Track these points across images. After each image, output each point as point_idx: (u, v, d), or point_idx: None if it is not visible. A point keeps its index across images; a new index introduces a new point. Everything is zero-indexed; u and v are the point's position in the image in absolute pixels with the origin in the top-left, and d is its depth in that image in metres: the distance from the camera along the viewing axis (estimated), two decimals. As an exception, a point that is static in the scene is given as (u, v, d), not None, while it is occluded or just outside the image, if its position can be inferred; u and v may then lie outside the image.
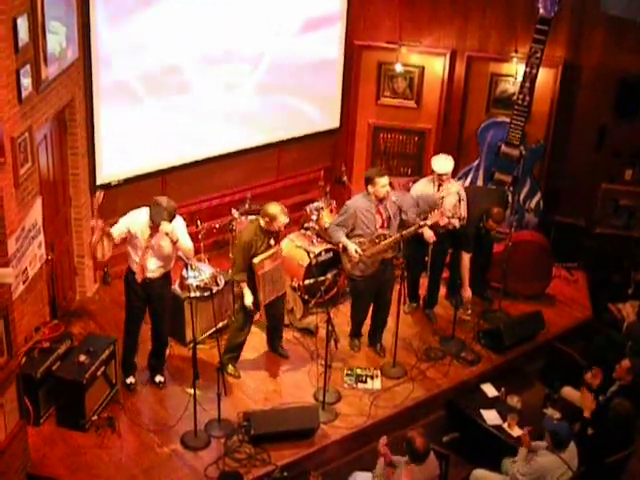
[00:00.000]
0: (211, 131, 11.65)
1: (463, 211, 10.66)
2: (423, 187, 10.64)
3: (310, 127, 12.73)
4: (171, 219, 8.82)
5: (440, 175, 10.50)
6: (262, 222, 9.45)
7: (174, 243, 8.95)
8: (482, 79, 12.57)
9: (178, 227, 9.02)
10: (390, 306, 10.39)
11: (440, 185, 10.55)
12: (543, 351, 11.01)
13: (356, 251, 9.73)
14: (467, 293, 10.86)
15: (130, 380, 9.70)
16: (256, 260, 9.45)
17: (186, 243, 9.13)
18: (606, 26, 12.09)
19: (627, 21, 11.51)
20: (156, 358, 9.80)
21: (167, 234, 8.84)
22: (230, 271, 9.98)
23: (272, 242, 9.57)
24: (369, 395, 9.84)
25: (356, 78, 12.84)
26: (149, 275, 9.18)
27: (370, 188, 9.71)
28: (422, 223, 9.88)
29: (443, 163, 10.60)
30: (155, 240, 9.01)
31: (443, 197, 10.47)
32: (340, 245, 9.90)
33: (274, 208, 9.40)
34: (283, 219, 9.43)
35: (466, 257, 10.85)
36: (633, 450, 9.39)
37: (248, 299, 9.58)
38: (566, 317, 11.63)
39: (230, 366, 9.95)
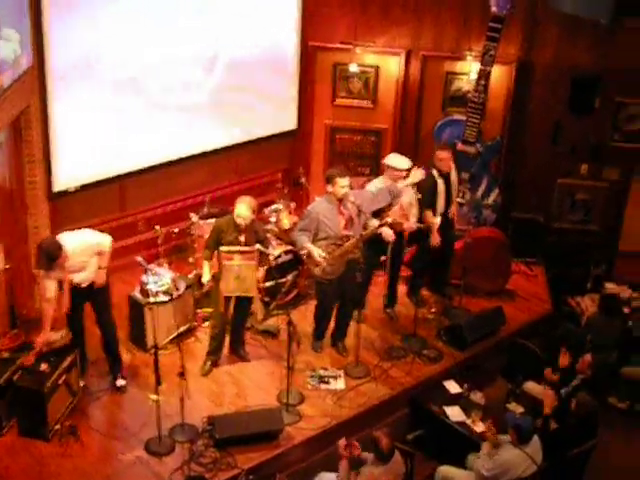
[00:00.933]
0: (168, 135, 11.59)
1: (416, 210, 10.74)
2: (380, 184, 10.61)
3: (267, 129, 12.72)
4: (52, 260, 8.72)
5: (400, 171, 10.52)
6: (236, 217, 9.51)
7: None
8: (437, 78, 12.64)
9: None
10: (354, 306, 10.41)
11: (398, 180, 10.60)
12: (505, 346, 11.08)
13: (320, 255, 9.73)
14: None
15: (120, 383, 9.73)
16: (224, 248, 9.49)
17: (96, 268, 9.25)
18: (559, 23, 12.19)
19: (579, 18, 11.60)
20: (108, 354, 9.79)
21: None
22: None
23: (242, 239, 9.56)
24: (333, 395, 9.83)
25: (312, 79, 12.85)
26: (83, 285, 9.25)
27: (330, 187, 9.72)
28: (382, 222, 9.91)
29: (400, 159, 10.65)
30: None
31: (399, 195, 10.51)
32: (305, 251, 9.90)
33: (239, 203, 9.50)
34: (247, 215, 9.45)
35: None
36: (595, 443, 9.49)
37: (205, 276, 9.73)
38: (526, 312, 11.72)
39: (207, 365, 10.05)
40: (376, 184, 10.53)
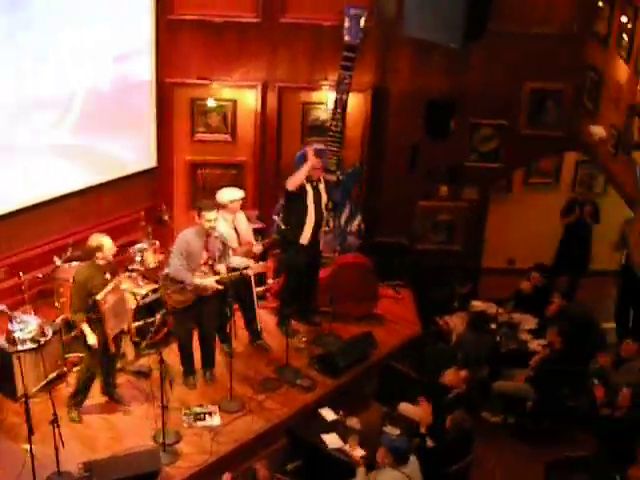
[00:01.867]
0: (28, 179, 11.35)
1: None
2: (221, 227, 10.58)
3: (127, 168, 12.57)
4: None
5: (232, 202, 10.57)
6: (96, 259, 9.37)
7: None
8: (295, 108, 12.73)
9: None
10: (215, 335, 10.51)
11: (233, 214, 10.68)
12: (377, 370, 11.18)
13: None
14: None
15: None
16: (99, 297, 9.30)
17: None
18: (412, 49, 12.45)
19: (432, 43, 11.84)
20: None
21: None
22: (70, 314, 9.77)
23: (108, 276, 9.44)
24: (209, 432, 9.76)
25: (169, 116, 12.77)
26: None
27: (197, 219, 9.75)
28: (245, 267, 10.14)
29: (231, 190, 10.76)
30: None
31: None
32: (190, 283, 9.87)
33: (96, 238, 9.40)
34: (109, 243, 9.36)
35: None
36: (472, 459, 9.63)
37: (91, 338, 9.43)
38: (396, 335, 11.84)
39: (74, 411, 9.81)
40: (220, 226, 10.52)
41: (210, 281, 9.84)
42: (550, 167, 14.58)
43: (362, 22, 11.52)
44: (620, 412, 10.57)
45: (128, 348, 10.72)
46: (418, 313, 12.36)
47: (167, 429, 9.45)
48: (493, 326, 12.30)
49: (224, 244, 9.95)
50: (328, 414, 10.21)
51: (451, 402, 10.14)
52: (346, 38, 11.51)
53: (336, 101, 11.82)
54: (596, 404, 10.89)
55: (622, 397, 10.61)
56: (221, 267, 10.04)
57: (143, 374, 10.58)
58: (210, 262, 9.97)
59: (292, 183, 10.86)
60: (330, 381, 10.77)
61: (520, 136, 13.11)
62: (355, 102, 12.42)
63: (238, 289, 10.51)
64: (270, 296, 11.94)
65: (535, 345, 12.03)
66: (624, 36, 11.27)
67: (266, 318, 11.61)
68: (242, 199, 10.80)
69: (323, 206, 11.15)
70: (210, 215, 9.71)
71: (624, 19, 11.23)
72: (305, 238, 11.01)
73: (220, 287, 9.92)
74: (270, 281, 11.97)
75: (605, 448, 10.50)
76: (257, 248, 10.71)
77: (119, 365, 10.42)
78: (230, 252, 10.17)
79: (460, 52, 12.03)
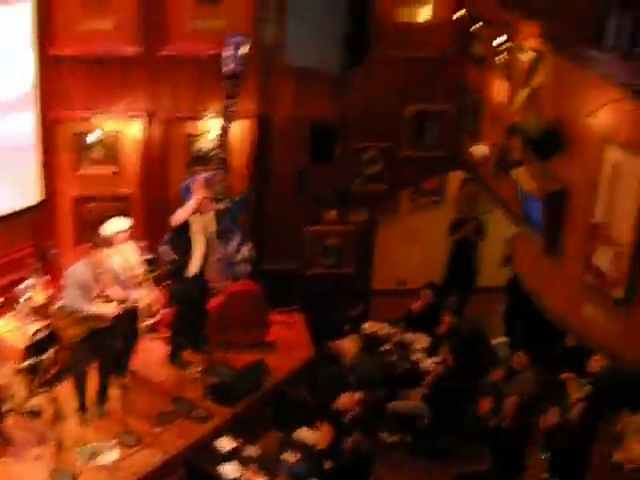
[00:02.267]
0: None
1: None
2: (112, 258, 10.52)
3: (12, 205, 12.37)
4: None
5: (118, 233, 10.52)
6: None
7: None
8: (179, 139, 12.67)
9: None
10: (111, 370, 10.40)
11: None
12: (273, 397, 11.18)
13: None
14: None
15: None
16: None
17: None
18: (294, 75, 12.53)
19: (313, 70, 11.96)
20: None
21: None
22: None
23: None
24: (107, 468, 9.63)
25: (53, 151, 12.60)
26: None
27: (90, 252, 9.70)
28: (137, 298, 10.02)
29: (116, 222, 10.69)
30: None
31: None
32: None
33: None
34: None
35: None
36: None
37: None
38: (290, 360, 11.87)
39: None
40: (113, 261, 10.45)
41: (106, 309, 9.73)
42: (436, 186, 14.82)
43: (243, 50, 11.58)
44: (507, 422, 10.76)
45: (19, 388, 10.52)
46: (311, 338, 12.40)
47: (63, 469, 9.30)
48: (386, 347, 12.43)
49: (115, 275, 9.87)
50: (226, 443, 10.16)
51: (347, 425, 10.19)
52: (227, 67, 11.55)
53: (221, 129, 11.85)
54: (484, 417, 11.08)
55: (507, 406, 10.82)
56: (113, 298, 9.95)
57: (35, 414, 10.39)
58: (103, 294, 9.87)
59: (177, 219, 10.85)
60: (226, 410, 10.74)
61: (404, 158, 13.32)
62: (240, 130, 12.46)
63: (127, 321, 10.42)
64: (162, 327, 11.86)
65: (428, 364, 12.19)
66: (500, 57, 11.53)
67: (158, 350, 11.53)
68: (129, 229, 10.72)
69: (210, 235, 11.13)
70: (101, 247, 9.63)
71: (500, 40, 11.48)
72: (194, 268, 10.98)
73: (116, 314, 9.83)
74: (161, 312, 11.89)
75: (497, 460, 10.70)
76: (146, 280, 10.64)
77: (9, 406, 10.22)
78: (121, 283, 10.07)
79: (342, 78, 12.21)
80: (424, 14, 12.82)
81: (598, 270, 8.15)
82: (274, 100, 12.73)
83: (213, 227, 11.17)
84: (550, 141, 8.57)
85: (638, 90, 7.54)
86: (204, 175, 11.60)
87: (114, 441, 10.00)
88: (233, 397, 10.78)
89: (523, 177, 9.13)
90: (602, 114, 8.00)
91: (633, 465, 9.69)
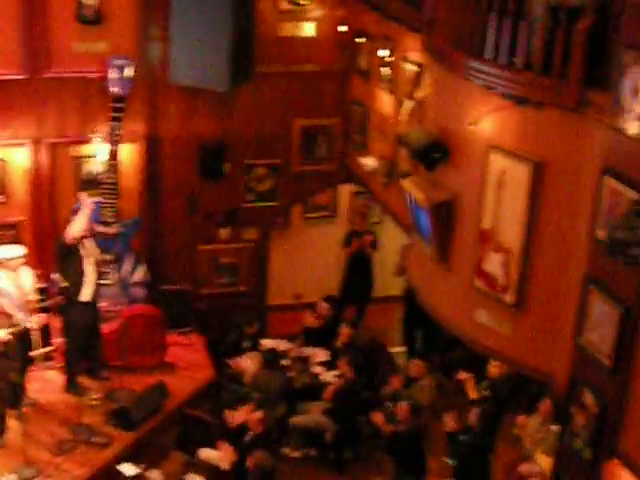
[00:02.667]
0: None
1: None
2: (2, 284, 10.36)
3: None
4: None
5: (10, 259, 10.42)
6: None
7: None
8: (67, 163, 12.50)
9: None
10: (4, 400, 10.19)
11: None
12: (175, 419, 11.11)
13: None
14: None
15: None
16: None
17: None
18: (181, 95, 12.48)
19: (200, 88, 11.93)
20: None
21: None
22: None
23: None
24: (7, 503, 9.48)
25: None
26: None
27: None
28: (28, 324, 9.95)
29: (9, 248, 10.63)
30: None
31: None
32: None
33: None
34: None
35: None
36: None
37: None
38: (190, 381, 11.79)
39: None
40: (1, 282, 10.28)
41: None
42: (327, 200, 14.92)
43: (128, 72, 11.53)
44: (403, 427, 10.88)
45: None
46: (210, 357, 12.35)
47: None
48: (285, 363, 12.46)
49: (6, 301, 9.72)
50: (129, 469, 10.05)
51: (250, 443, 10.18)
52: (113, 89, 11.48)
53: (109, 152, 11.76)
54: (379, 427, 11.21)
55: (400, 411, 10.96)
56: (4, 324, 9.79)
57: None
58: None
59: (71, 235, 10.69)
60: (127, 435, 10.63)
61: (294, 173, 13.41)
62: (129, 152, 12.37)
63: (20, 349, 10.25)
64: (57, 355, 11.68)
65: (328, 377, 12.25)
66: (384, 70, 11.68)
67: (55, 378, 11.36)
68: (23, 256, 10.54)
69: (100, 260, 11.04)
70: None
71: (383, 53, 11.64)
72: (86, 295, 10.85)
73: (6, 339, 9.67)
74: (56, 340, 11.71)
75: (399, 467, 10.83)
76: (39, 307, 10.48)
77: None
78: (13, 309, 9.92)
79: (229, 96, 12.22)
80: (308, 29, 12.93)
81: (489, 276, 8.29)
82: (162, 120, 12.67)
83: (99, 252, 11.06)
84: (435, 151, 8.68)
85: (518, 99, 7.70)
86: (94, 199, 11.50)
87: (13, 475, 9.79)
88: (134, 421, 10.67)
89: (411, 187, 9.22)
90: (485, 123, 8.15)
91: (537, 478, 9.88)
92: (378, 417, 11.15)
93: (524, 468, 10.06)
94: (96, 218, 11.89)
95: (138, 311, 11.91)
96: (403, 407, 10.96)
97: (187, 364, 12.12)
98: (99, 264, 11.00)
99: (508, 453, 10.61)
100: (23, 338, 10.13)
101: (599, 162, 7.09)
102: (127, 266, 12.23)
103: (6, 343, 9.76)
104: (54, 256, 11.32)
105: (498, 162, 8.05)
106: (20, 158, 12.38)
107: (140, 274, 12.34)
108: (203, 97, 12.40)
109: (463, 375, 11.51)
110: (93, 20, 11.85)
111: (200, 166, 12.80)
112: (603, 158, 7.05)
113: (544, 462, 9.80)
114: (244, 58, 11.63)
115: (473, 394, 11.34)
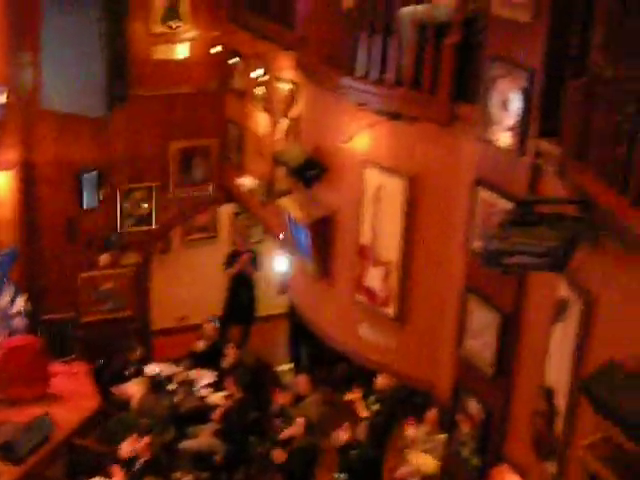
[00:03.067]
0: None
1: None
2: None
3: None
4: None
5: None
6: None
7: None
8: None
9: None
10: None
11: None
12: (62, 450, 10.92)
13: None
14: None
15: None
16: None
17: None
18: (56, 121, 12.30)
19: (74, 113, 11.78)
20: None
21: None
22: None
23: None
24: None
25: None
26: None
27: None
28: None
29: None
30: None
31: None
32: None
33: None
34: None
35: None
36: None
37: None
38: (76, 411, 11.57)
39: None
40: None
41: None
42: (207, 222, 14.92)
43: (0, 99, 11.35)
44: (298, 442, 10.94)
45: None
46: (95, 386, 12.17)
47: None
48: (172, 387, 12.38)
49: None
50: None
51: (140, 470, 10.08)
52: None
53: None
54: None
55: (297, 426, 11.00)
56: None
57: None
58: None
59: None
60: (13, 469, 10.39)
61: (172, 196, 13.35)
62: (3, 181, 12.13)
63: None
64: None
65: (216, 398, 12.21)
66: (258, 89, 11.74)
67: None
68: None
69: None
70: None
71: (258, 72, 11.69)
72: None
73: None
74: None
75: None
76: None
77: None
78: None
79: (104, 120, 12.10)
80: (182, 50, 12.91)
81: (370, 290, 8.38)
82: (38, 147, 12.48)
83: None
84: (311, 168, 8.76)
85: (391, 114, 7.83)
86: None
87: None
88: (20, 455, 10.44)
89: (289, 205, 9.29)
90: (360, 139, 8.26)
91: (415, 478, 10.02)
92: (280, 455, 11.09)
93: (401, 472, 10.20)
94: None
95: (19, 342, 11.66)
96: (300, 421, 11.02)
97: (72, 393, 11.87)
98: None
99: (398, 464, 10.71)
100: None
101: (472, 174, 7.24)
102: (6, 297, 12.01)
103: None
104: None
105: (374, 177, 8.16)
106: None
107: (20, 304, 12.12)
108: (79, 122, 12.23)
109: (352, 395, 11.63)
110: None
111: (79, 193, 12.65)
112: (475, 170, 7.21)
113: (424, 460, 9.97)
114: (118, 82, 11.55)
115: (363, 413, 11.46)
